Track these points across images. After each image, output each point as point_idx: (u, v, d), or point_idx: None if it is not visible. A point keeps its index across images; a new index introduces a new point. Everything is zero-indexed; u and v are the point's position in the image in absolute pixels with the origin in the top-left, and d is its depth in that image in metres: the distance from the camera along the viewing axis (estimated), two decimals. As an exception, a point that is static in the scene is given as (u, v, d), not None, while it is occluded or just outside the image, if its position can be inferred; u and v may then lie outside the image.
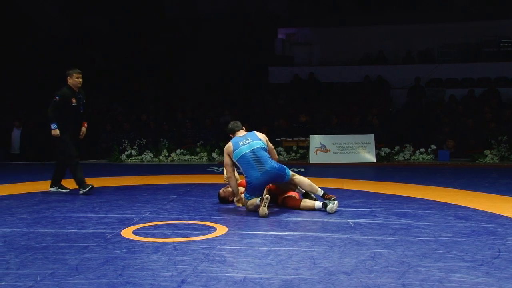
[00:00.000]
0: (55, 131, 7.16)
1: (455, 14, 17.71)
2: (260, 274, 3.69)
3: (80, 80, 7.33)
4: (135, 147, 13.41)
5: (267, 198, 5.72)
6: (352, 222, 5.41)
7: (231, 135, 6.34)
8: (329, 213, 5.84)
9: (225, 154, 6.16)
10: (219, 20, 18.89)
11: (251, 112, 15.48)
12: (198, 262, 3.97)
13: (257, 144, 6.01)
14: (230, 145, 6.11)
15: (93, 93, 14.15)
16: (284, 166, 6.06)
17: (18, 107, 15.15)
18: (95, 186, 7.43)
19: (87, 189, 7.25)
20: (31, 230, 5.08)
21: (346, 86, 17.06)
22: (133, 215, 5.81)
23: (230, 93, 17.26)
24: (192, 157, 13.09)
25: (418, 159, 12.61)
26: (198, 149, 13.21)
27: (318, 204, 6.02)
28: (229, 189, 6.63)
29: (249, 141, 6.03)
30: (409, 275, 3.66)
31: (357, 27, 18.70)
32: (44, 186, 7.98)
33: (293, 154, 12.90)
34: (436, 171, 10.58)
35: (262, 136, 6.23)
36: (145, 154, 13.15)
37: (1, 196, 7.27)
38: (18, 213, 6.00)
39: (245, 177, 6.04)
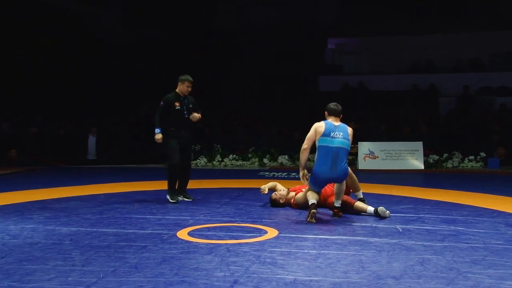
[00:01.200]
0: (158, 136, 7.04)
1: (504, 22, 17.33)
2: (310, 277, 3.76)
3: (189, 89, 7.25)
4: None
5: (313, 212, 5.79)
6: (400, 228, 5.44)
7: (326, 113, 6.06)
8: (378, 218, 5.91)
9: (313, 129, 5.93)
10: (270, 30, 19.09)
11: (301, 119, 15.57)
12: (250, 263, 4.08)
13: (344, 144, 5.84)
14: (322, 125, 5.89)
15: (148, 104, 14.61)
16: (347, 167, 5.98)
17: (93, 115, 15.73)
18: (153, 189, 7.63)
19: (173, 201, 7.09)
20: (95, 229, 5.34)
21: (395, 94, 16.95)
22: (188, 217, 6.01)
23: (279, 101, 17.41)
24: (244, 162, 13.33)
25: (467, 166, 12.40)
26: (250, 155, 13.44)
27: (370, 209, 6.10)
28: (281, 192, 6.80)
29: (339, 136, 5.84)
30: (458, 281, 3.65)
31: (406, 36, 18.57)
32: (107, 188, 8.35)
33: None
34: (486, 178, 10.41)
35: (350, 132, 6.01)
36: (199, 159, 13.47)
37: (69, 197, 7.62)
38: (83, 213, 6.30)
39: (315, 163, 5.92)
